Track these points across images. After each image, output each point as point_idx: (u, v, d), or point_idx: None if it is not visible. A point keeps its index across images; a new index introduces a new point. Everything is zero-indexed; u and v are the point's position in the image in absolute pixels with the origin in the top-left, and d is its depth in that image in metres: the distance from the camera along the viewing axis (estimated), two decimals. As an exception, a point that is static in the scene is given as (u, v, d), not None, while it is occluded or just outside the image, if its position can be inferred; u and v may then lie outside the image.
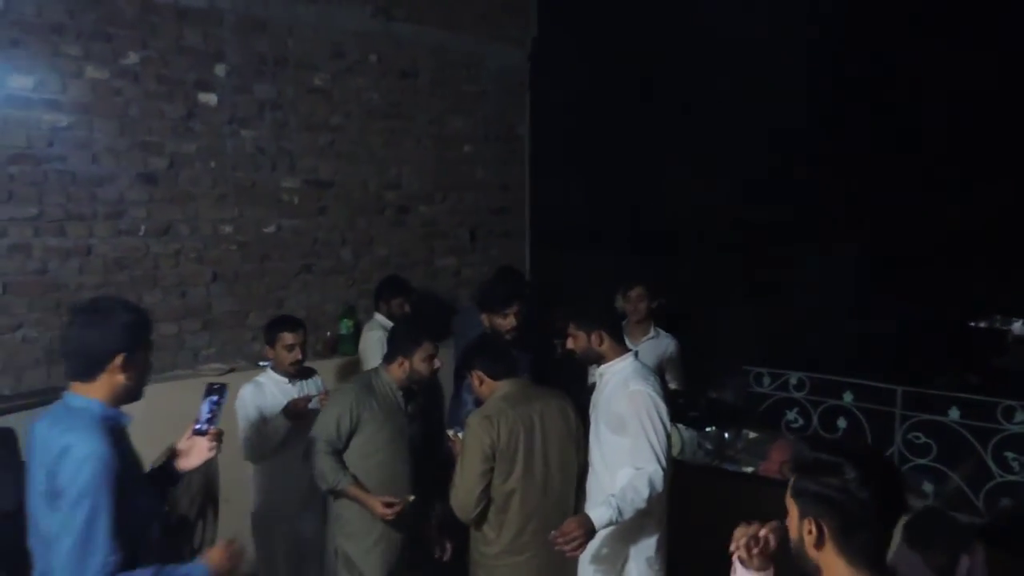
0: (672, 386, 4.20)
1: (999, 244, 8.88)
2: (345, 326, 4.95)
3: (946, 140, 9.08)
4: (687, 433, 4.67)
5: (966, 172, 8.99)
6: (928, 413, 3.85)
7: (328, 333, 4.95)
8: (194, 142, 4.40)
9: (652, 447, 2.87)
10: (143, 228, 4.24)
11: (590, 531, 2.70)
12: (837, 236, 9.20)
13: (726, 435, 5.23)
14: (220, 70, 4.47)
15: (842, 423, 4.07)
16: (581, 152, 7.82)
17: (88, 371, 2.12)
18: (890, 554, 3.82)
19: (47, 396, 3.88)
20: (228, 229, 4.57)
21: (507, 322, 3.86)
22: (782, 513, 4.50)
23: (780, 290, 8.47)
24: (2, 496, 3.34)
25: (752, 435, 5.29)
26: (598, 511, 2.73)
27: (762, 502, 4.48)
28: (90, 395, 2.12)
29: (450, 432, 3.35)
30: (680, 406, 4.24)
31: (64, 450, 2.02)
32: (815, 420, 4.19)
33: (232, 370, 4.33)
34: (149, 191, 4.25)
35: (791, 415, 4.26)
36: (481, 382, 3.18)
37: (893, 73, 9.01)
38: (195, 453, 2.37)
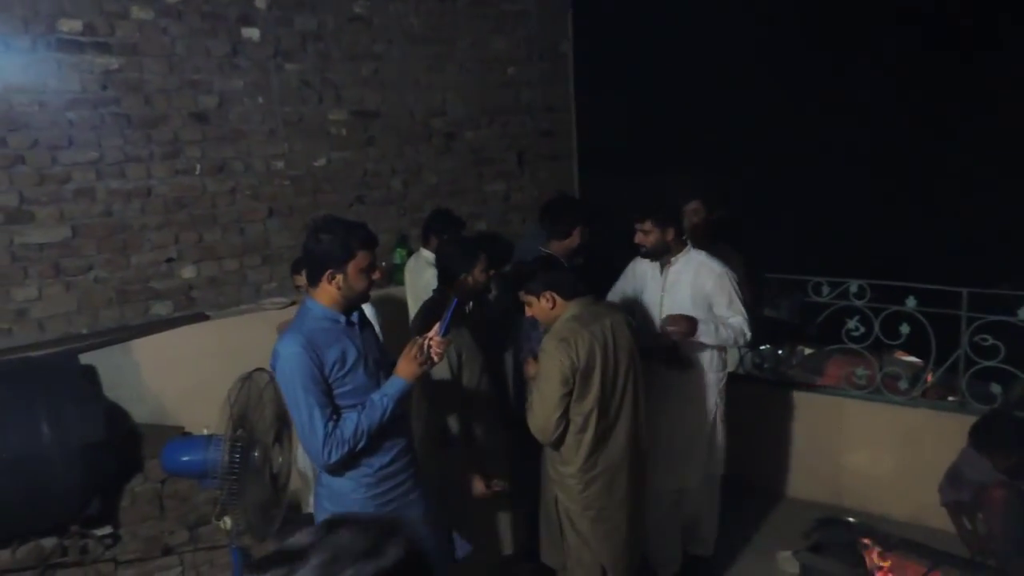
0: None
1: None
2: (399, 255, 5.01)
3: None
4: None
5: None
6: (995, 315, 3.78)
7: (383, 263, 5.01)
8: (241, 78, 4.42)
9: (742, 314, 3.48)
10: (199, 167, 4.31)
11: (692, 331, 3.39)
12: (895, 150, 8.88)
13: (780, 352, 5.20)
14: (260, 3, 4.44)
15: (905, 329, 4.01)
16: (626, 70, 7.62)
17: (311, 280, 2.59)
18: (956, 457, 3.81)
19: (122, 334, 4.05)
20: (280, 164, 4.62)
21: (571, 242, 3.98)
22: (840, 421, 4.52)
23: (838, 201, 8.27)
24: (91, 427, 3.54)
25: (807, 351, 5.24)
26: (707, 326, 3.42)
27: (820, 411, 4.50)
28: (315, 297, 2.58)
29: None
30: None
31: (274, 353, 2.52)
32: (876, 327, 4.13)
33: (293, 303, 4.44)
34: (201, 130, 4.30)
35: (852, 323, 4.19)
36: (553, 304, 3.10)
37: None
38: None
